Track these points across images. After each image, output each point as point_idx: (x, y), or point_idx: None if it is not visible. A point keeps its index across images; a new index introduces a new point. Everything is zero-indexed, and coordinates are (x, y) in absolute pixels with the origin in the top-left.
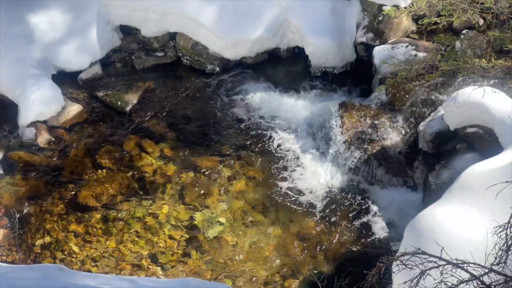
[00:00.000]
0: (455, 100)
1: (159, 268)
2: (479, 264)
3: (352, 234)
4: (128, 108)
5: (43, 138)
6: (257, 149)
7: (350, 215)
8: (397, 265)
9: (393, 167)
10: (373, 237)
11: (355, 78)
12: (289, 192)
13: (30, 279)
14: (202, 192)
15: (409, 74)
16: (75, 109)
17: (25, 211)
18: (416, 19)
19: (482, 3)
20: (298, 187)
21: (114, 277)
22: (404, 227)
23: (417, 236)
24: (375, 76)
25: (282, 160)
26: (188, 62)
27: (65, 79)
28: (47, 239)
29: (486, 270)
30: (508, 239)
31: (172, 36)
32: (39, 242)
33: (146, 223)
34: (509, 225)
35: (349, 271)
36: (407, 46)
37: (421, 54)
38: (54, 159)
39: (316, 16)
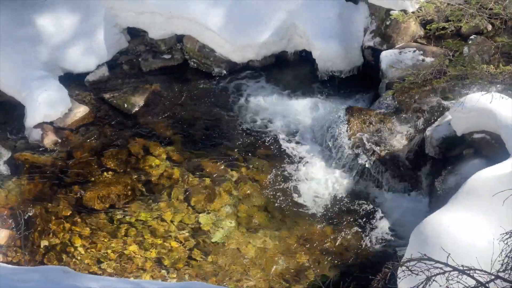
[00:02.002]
0: (462, 105)
1: (163, 271)
2: (485, 271)
3: (358, 239)
4: (134, 110)
5: (50, 140)
6: (263, 153)
7: (356, 219)
8: (403, 270)
9: (399, 172)
10: (379, 242)
11: (362, 82)
12: (295, 196)
13: (32, 281)
14: (207, 195)
15: (417, 79)
16: (81, 110)
17: (30, 212)
18: (424, 24)
19: (490, 9)
20: (304, 191)
21: (118, 280)
22: (410, 233)
23: (423, 241)
24: (382, 80)
25: (288, 164)
26: (195, 64)
27: (72, 81)
28: (52, 240)
29: (492, 277)
30: None
31: (179, 38)
32: (44, 243)
33: (151, 226)
34: None
35: (355, 276)
36: (414, 51)
37: (428, 59)
38: (60, 160)
39: (323, 20)
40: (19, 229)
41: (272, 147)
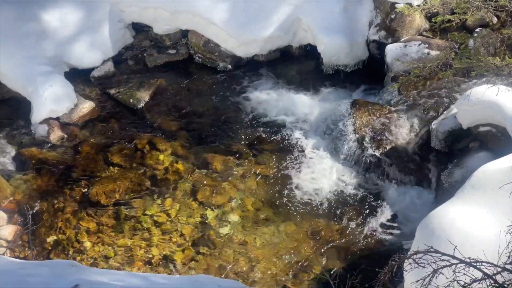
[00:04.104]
0: (468, 98)
1: (170, 265)
2: (492, 263)
3: (364, 232)
4: (140, 106)
5: (56, 135)
6: (268, 147)
7: (362, 213)
8: (409, 263)
9: (405, 166)
10: (385, 235)
11: (367, 76)
12: (301, 190)
13: (41, 275)
14: (213, 189)
15: (422, 72)
16: (87, 106)
17: (37, 207)
18: (429, 17)
19: (496, 1)
20: (310, 185)
21: (126, 274)
22: (416, 226)
23: (429, 234)
24: (388, 74)
25: (293, 158)
26: (200, 59)
27: (77, 77)
28: (59, 235)
29: (499, 269)
30: None
31: (184, 33)
32: (51, 238)
33: (157, 221)
34: None
35: (361, 269)
36: (419, 44)
37: (434, 52)
38: (66, 156)
39: (328, 14)
40: (26, 224)
41: (277, 141)
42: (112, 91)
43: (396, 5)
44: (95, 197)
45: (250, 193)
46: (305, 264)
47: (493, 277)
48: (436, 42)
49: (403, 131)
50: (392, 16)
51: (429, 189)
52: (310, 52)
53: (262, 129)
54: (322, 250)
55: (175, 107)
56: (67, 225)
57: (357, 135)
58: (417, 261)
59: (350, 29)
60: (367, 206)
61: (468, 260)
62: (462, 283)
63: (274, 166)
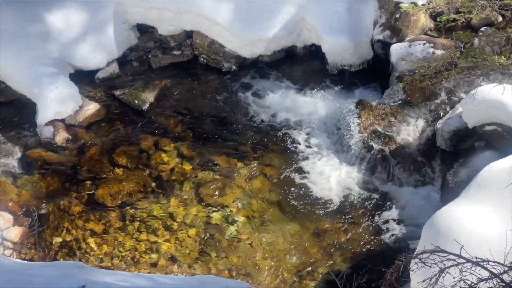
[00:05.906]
0: (473, 98)
1: (176, 266)
2: (498, 262)
3: (370, 232)
4: (145, 107)
5: (61, 137)
6: (274, 148)
7: (368, 213)
8: (416, 263)
9: (410, 165)
10: (391, 235)
11: (372, 76)
12: (306, 190)
13: (48, 276)
14: (219, 190)
15: (427, 71)
16: (92, 107)
17: (43, 209)
18: (434, 16)
19: (501, 0)
20: (315, 185)
21: (132, 275)
22: (422, 225)
23: (436, 234)
24: (392, 74)
25: (299, 159)
26: (205, 60)
27: (82, 78)
28: (66, 237)
29: (506, 268)
30: None
31: (189, 34)
32: (57, 240)
33: (163, 222)
34: None
35: (368, 269)
36: (424, 44)
37: (439, 52)
38: (72, 157)
39: (332, 13)
40: (32, 226)
41: (283, 141)
42: (117, 92)
43: (401, 5)
44: (101, 199)
45: (255, 193)
46: (311, 264)
47: (500, 276)
48: (441, 42)
49: (408, 130)
50: (397, 16)
51: (434, 188)
52: (314, 52)
53: (267, 129)
54: (328, 250)
55: (180, 108)
56: (73, 227)
57: (362, 135)
58: (424, 261)
59: (354, 28)
60: (372, 206)
61: (474, 260)
62: (469, 282)
63: (279, 166)
